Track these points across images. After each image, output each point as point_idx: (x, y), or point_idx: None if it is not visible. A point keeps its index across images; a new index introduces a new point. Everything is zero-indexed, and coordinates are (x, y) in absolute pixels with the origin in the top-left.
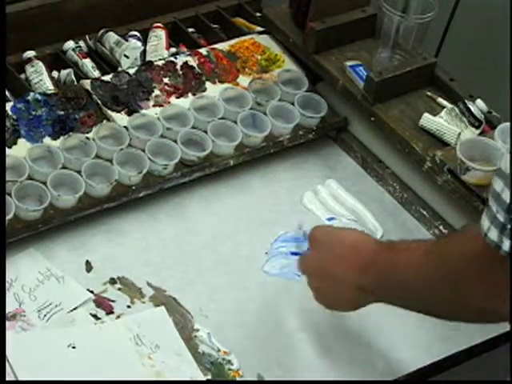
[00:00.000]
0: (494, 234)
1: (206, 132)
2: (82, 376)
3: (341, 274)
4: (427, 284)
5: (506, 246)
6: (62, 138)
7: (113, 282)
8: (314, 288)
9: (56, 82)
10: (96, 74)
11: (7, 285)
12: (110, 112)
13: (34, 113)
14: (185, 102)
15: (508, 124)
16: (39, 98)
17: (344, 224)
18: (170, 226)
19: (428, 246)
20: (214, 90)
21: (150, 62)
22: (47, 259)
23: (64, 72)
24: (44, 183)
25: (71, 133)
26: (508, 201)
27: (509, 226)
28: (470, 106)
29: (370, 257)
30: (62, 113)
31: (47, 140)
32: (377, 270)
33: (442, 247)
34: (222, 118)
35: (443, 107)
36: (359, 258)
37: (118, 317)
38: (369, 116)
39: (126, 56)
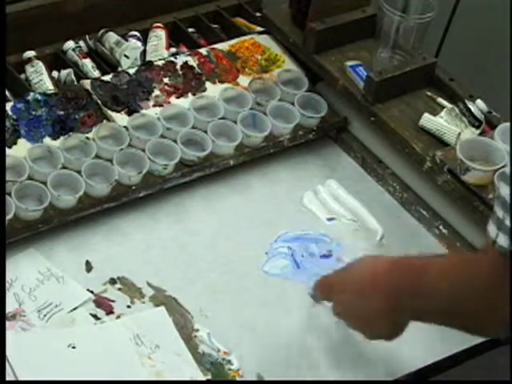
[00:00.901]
0: (502, 240)
1: (206, 132)
2: (82, 376)
3: (373, 290)
4: (454, 290)
5: None
6: (61, 137)
7: (113, 282)
8: (343, 303)
9: (56, 82)
10: (96, 74)
11: (7, 285)
12: (110, 112)
13: (34, 113)
14: (185, 102)
15: (508, 124)
16: (39, 97)
17: (344, 224)
18: (170, 226)
19: (458, 256)
20: (214, 90)
21: (150, 62)
22: (47, 259)
23: (64, 72)
24: (44, 183)
25: (71, 133)
26: None
27: None
28: (470, 106)
29: (403, 266)
30: (62, 113)
31: (47, 140)
32: (410, 275)
33: (469, 256)
34: (222, 118)
35: (443, 107)
36: (392, 270)
37: (118, 317)
38: (369, 116)
39: (126, 56)
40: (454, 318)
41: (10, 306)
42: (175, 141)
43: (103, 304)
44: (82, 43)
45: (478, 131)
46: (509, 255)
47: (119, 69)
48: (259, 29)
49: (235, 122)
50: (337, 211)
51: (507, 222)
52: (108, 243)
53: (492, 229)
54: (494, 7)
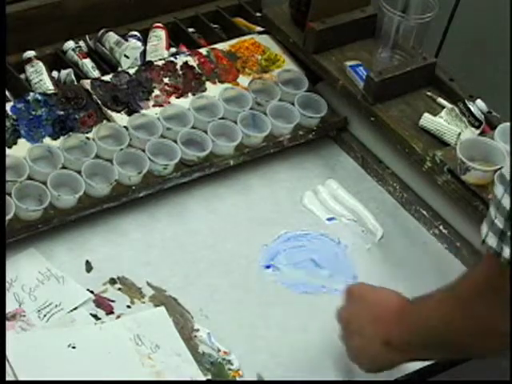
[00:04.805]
0: (492, 241)
1: (206, 132)
2: (82, 376)
3: (369, 332)
4: (449, 325)
5: (506, 253)
6: (61, 138)
7: (113, 282)
8: (345, 339)
9: (56, 82)
10: (96, 74)
11: (7, 285)
12: (110, 112)
13: (33, 113)
14: (185, 102)
15: (508, 124)
16: (39, 98)
17: (344, 224)
18: (170, 226)
19: (445, 287)
20: (214, 90)
21: (150, 62)
22: (47, 259)
23: (64, 72)
24: (44, 183)
25: (71, 133)
26: (508, 207)
27: (509, 233)
28: (470, 106)
29: (397, 311)
30: (62, 113)
31: (47, 140)
32: (403, 322)
33: (455, 283)
34: (222, 118)
35: (443, 107)
36: (387, 314)
37: (118, 317)
38: (369, 116)
39: (126, 56)
40: (454, 342)
41: (10, 306)
42: (175, 141)
43: (103, 304)
44: (82, 43)
45: (478, 131)
46: (496, 255)
47: (119, 69)
48: (259, 29)
49: (235, 122)
50: (337, 211)
51: (497, 222)
52: (108, 243)
53: (483, 228)
54: (494, 7)
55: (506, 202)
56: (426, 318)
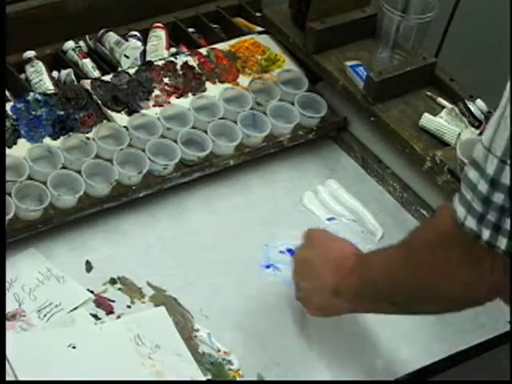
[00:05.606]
0: (472, 223)
1: (206, 132)
2: (82, 376)
3: (320, 277)
4: (392, 282)
5: (485, 235)
6: (61, 138)
7: (113, 282)
8: (297, 280)
9: (56, 82)
10: (96, 74)
11: (7, 285)
12: (110, 112)
13: (33, 113)
14: (185, 102)
15: None
16: (39, 98)
17: (344, 224)
18: (170, 226)
19: (400, 242)
20: (214, 90)
21: (150, 62)
22: (47, 259)
23: (64, 72)
24: (44, 183)
25: (71, 133)
26: (485, 192)
27: (489, 217)
28: (470, 106)
29: (349, 262)
30: (62, 113)
31: (47, 140)
32: (352, 274)
33: (404, 241)
34: (222, 118)
35: (443, 107)
36: (339, 263)
37: (118, 317)
38: (369, 116)
39: (126, 56)
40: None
41: (10, 306)
42: (175, 141)
43: (103, 304)
44: (82, 43)
45: (478, 131)
46: (477, 237)
47: (119, 69)
48: (259, 29)
49: (235, 122)
50: (337, 211)
51: (475, 205)
52: (108, 243)
53: (460, 210)
54: (494, 7)
55: (481, 187)
56: (373, 273)
